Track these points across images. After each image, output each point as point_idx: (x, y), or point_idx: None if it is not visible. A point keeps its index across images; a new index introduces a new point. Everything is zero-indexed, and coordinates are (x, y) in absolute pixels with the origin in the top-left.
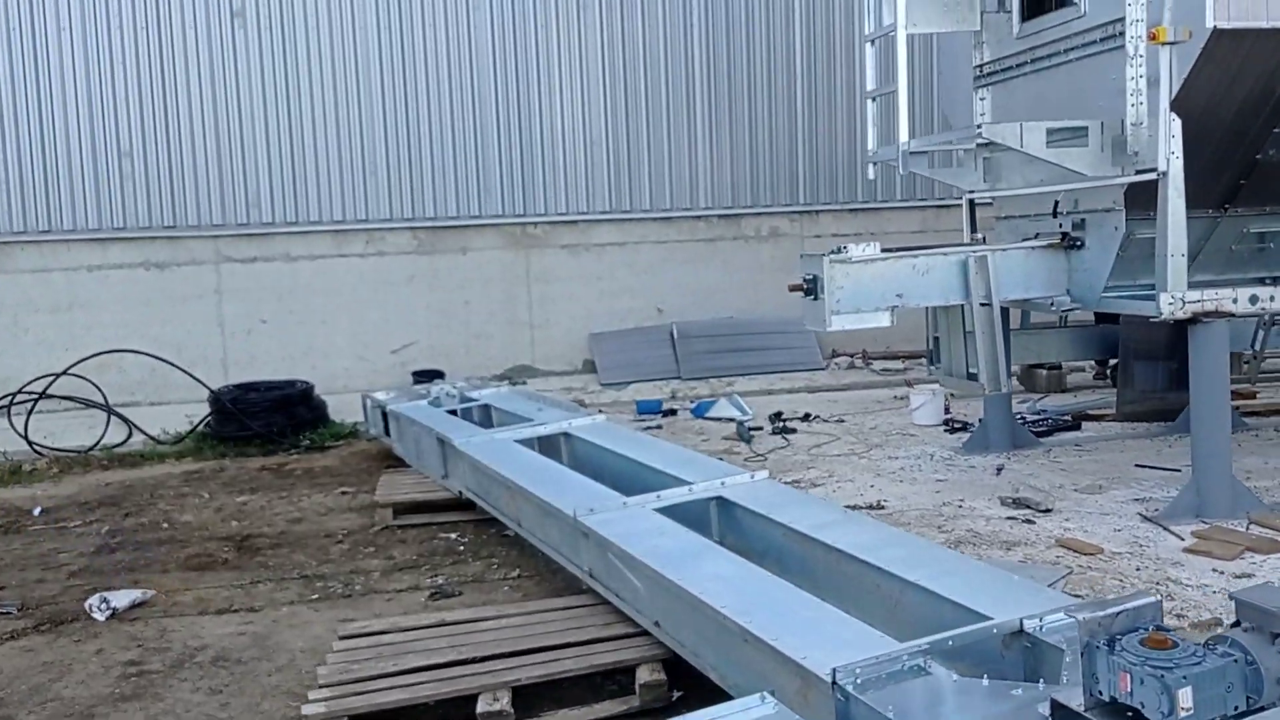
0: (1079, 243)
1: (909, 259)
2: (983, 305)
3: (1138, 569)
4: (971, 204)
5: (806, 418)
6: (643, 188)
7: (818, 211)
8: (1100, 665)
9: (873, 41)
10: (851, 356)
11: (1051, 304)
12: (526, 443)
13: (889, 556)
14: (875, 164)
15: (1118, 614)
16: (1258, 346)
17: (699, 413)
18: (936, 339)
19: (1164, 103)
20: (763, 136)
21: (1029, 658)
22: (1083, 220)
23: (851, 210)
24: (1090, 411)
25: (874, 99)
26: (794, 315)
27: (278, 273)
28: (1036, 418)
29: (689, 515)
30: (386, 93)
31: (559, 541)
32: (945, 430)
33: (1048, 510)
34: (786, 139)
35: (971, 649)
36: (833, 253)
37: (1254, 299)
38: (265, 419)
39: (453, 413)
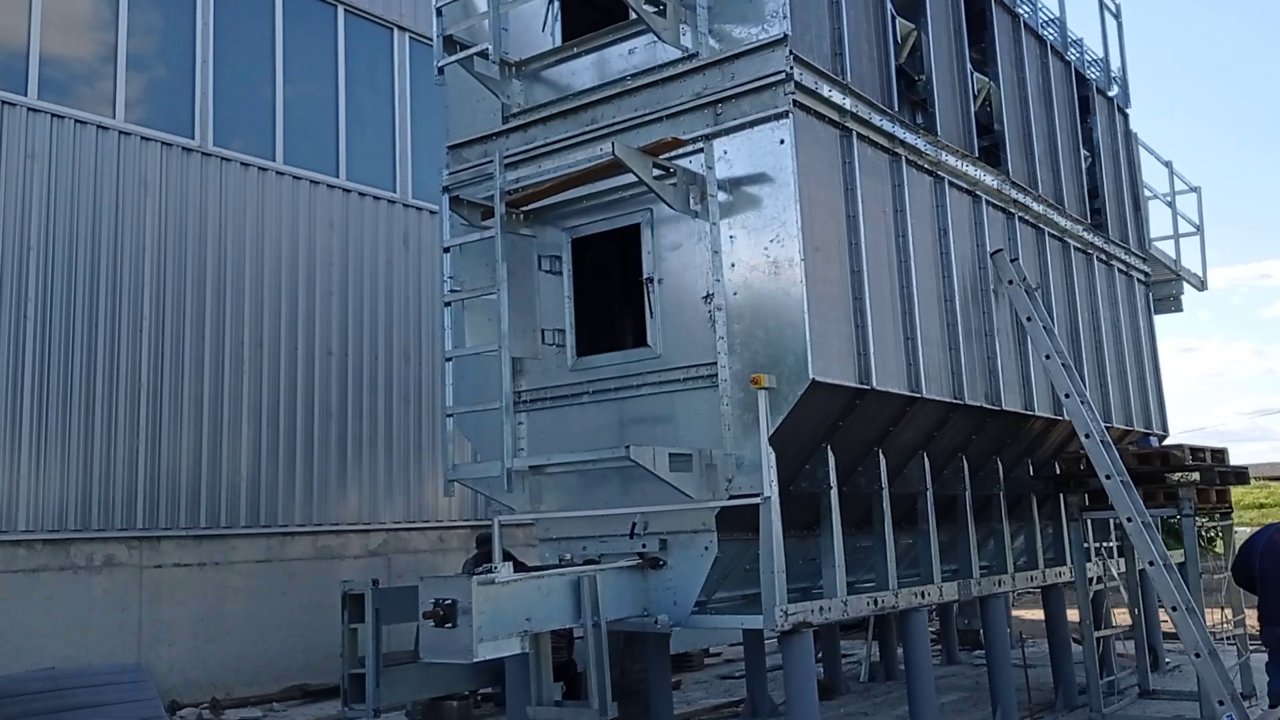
0: (661, 562)
1: (535, 580)
2: (594, 626)
3: None
4: (500, 526)
5: None
6: None
7: (159, 537)
8: None
9: (449, 360)
10: (198, 707)
11: (656, 622)
12: None
13: None
14: (453, 483)
15: None
16: None
17: None
18: (355, 675)
19: (764, 437)
20: (100, 448)
21: None
22: (664, 541)
23: (196, 537)
24: None
25: (450, 415)
26: (128, 661)
27: None
28: None
29: None
30: None
31: None
32: None
33: None
34: (127, 454)
35: None
36: (474, 573)
37: (822, 610)
38: None
39: None
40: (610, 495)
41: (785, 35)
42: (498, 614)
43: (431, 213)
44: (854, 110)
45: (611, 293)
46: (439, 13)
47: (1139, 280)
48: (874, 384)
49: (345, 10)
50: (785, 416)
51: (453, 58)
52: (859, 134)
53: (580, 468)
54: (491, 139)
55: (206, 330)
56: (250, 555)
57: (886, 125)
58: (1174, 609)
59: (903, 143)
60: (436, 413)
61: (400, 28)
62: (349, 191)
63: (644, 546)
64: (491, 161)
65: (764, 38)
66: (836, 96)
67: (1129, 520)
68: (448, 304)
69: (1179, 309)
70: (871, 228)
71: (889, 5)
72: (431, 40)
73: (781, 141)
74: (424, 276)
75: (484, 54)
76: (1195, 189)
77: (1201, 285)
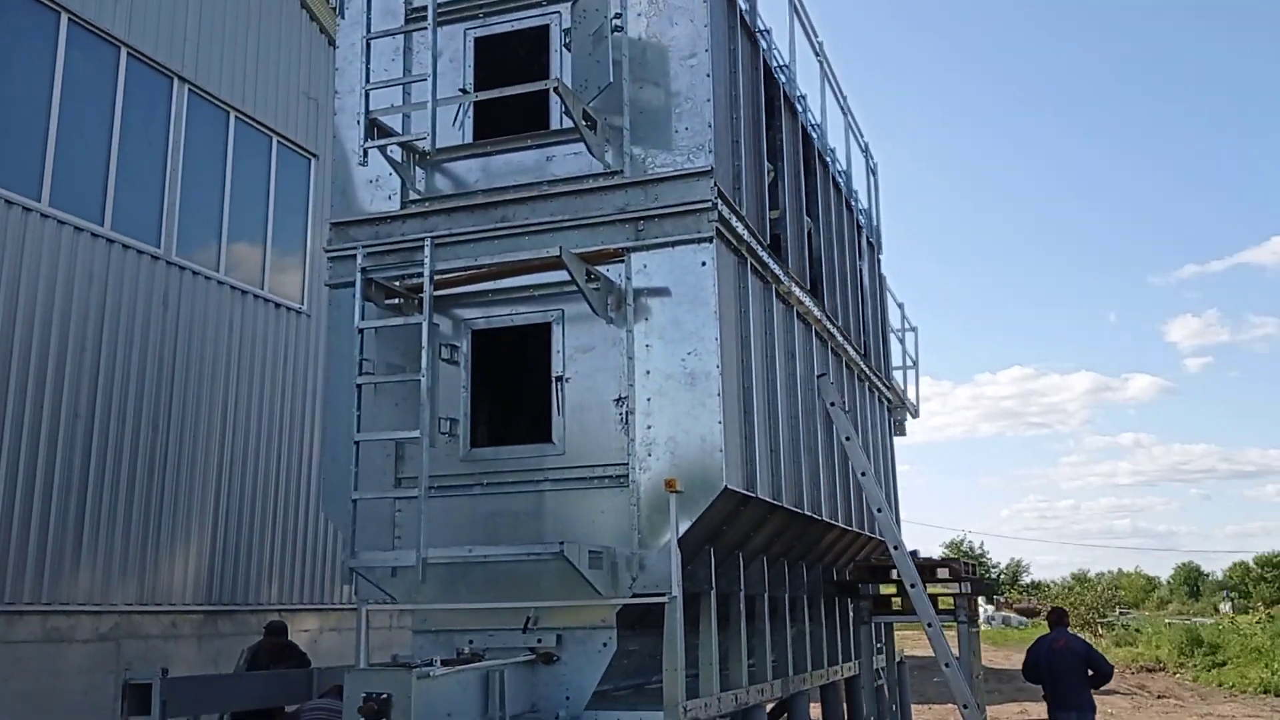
0: (555, 657)
1: (456, 674)
2: None
3: None
4: (367, 614)
5: None
6: None
7: None
8: None
9: (358, 443)
10: None
11: (556, 717)
12: None
13: None
14: (354, 570)
15: None
16: None
17: None
18: None
19: (674, 538)
20: None
21: None
22: (560, 636)
23: None
24: None
25: (355, 502)
26: None
27: None
28: None
29: None
30: None
31: None
32: None
33: None
34: None
35: None
36: (413, 666)
37: (706, 706)
38: None
39: None
40: (476, 587)
41: (711, 168)
42: (429, 710)
43: (195, 273)
44: (748, 240)
45: (511, 386)
46: (366, 95)
47: (887, 406)
48: (757, 492)
49: (128, 52)
50: (695, 520)
51: (381, 141)
52: (751, 262)
53: (450, 559)
54: (385, 221)
55: None
56: None
57: (764, 256)
58: (965, 707)
59: (771, 272)
60: (180, 486)
61: (181, 78)
62: (113, 243)
63: (539, 641)
64: (392, 242)
65: (690, 167)
66: (739, 227)
67: (929, 625)
68: (359, 385)
69: (903, 433)
70: (755, 348)
71: (765, 148)
72: (211, 95)
73: (704, 264)
74: (180, 340)
75: (415, 144)
76: (914, 328)
77: (915, 413)
